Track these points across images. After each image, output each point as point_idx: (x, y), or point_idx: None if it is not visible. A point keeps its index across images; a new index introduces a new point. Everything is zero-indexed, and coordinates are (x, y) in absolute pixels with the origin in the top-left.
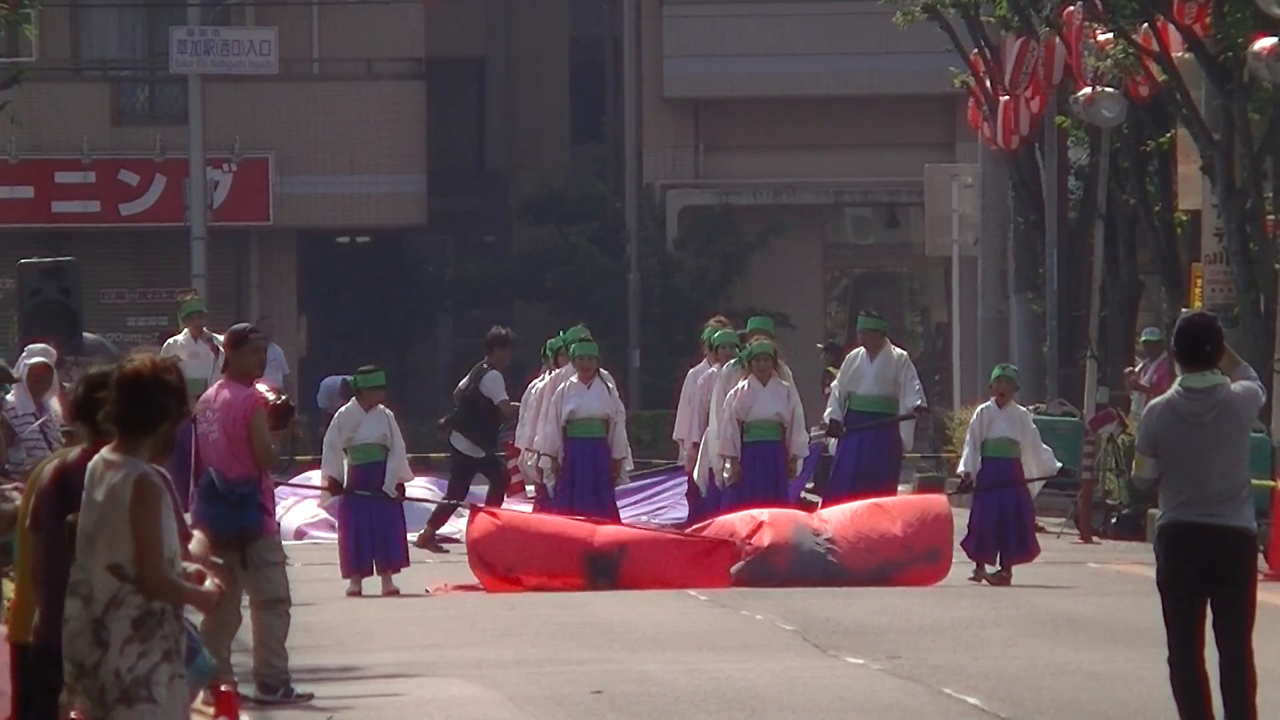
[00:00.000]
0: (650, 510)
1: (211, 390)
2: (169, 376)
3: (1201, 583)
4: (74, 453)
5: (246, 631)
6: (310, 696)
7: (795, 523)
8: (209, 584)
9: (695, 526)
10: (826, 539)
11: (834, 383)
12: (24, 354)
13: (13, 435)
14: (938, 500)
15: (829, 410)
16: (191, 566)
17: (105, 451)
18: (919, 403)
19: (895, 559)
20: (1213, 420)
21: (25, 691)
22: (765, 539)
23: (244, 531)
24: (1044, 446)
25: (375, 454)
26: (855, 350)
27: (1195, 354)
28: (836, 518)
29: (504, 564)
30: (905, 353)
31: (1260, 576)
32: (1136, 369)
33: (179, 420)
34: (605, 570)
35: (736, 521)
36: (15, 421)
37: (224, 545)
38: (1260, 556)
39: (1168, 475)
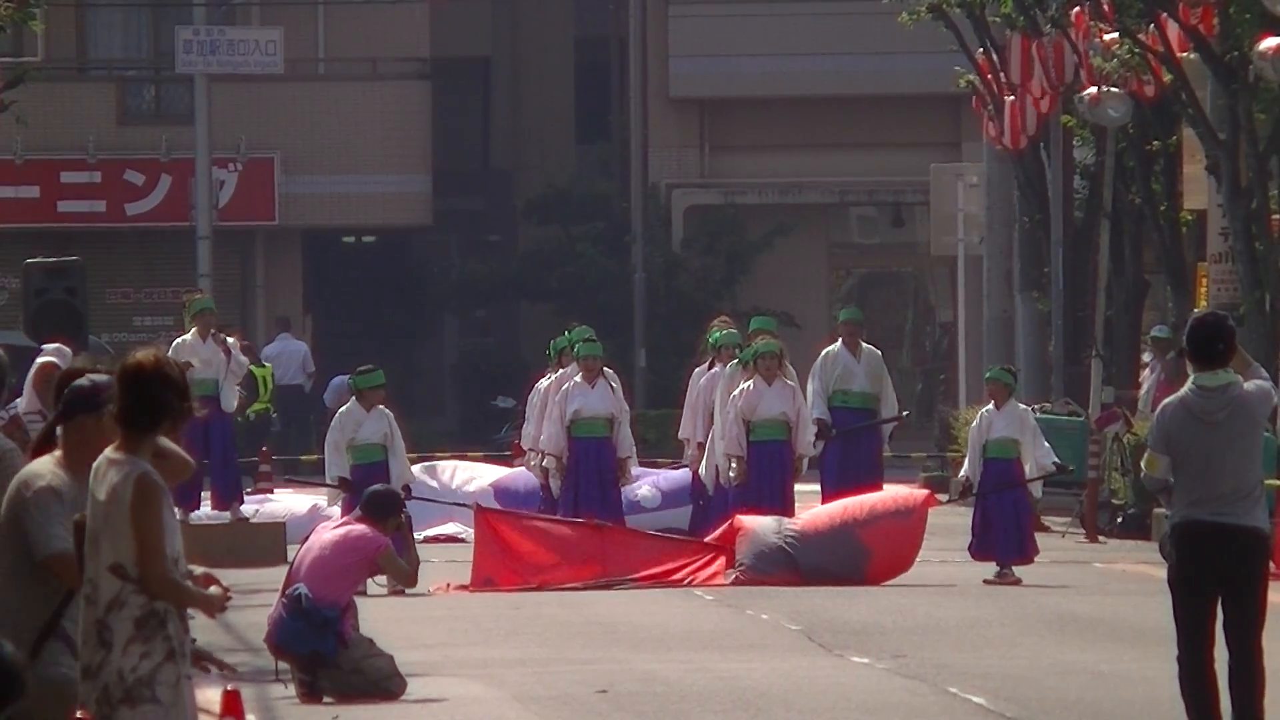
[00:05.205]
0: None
1: (339, 517)
2: (171, 371)
3: (1213, 582)
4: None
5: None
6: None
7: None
8: (213, 589)
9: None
10: (790, 531)
11: (812, 380)
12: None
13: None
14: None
15: (815, 410)
16: (198, 569)
17: (108, 451)
18: (905, 413)
19: (858, 517)
20: (1226, 419)
21: None
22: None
23: (315, 655)
24: (1044, 445)
25: (376, 454)
26: (833, 346)
27: (1208, 352)
28: (810, 514)
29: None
30: (878, 350)
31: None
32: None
33: (182, 417)
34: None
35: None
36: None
37: (293, 662)
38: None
39: (1180, 474)
